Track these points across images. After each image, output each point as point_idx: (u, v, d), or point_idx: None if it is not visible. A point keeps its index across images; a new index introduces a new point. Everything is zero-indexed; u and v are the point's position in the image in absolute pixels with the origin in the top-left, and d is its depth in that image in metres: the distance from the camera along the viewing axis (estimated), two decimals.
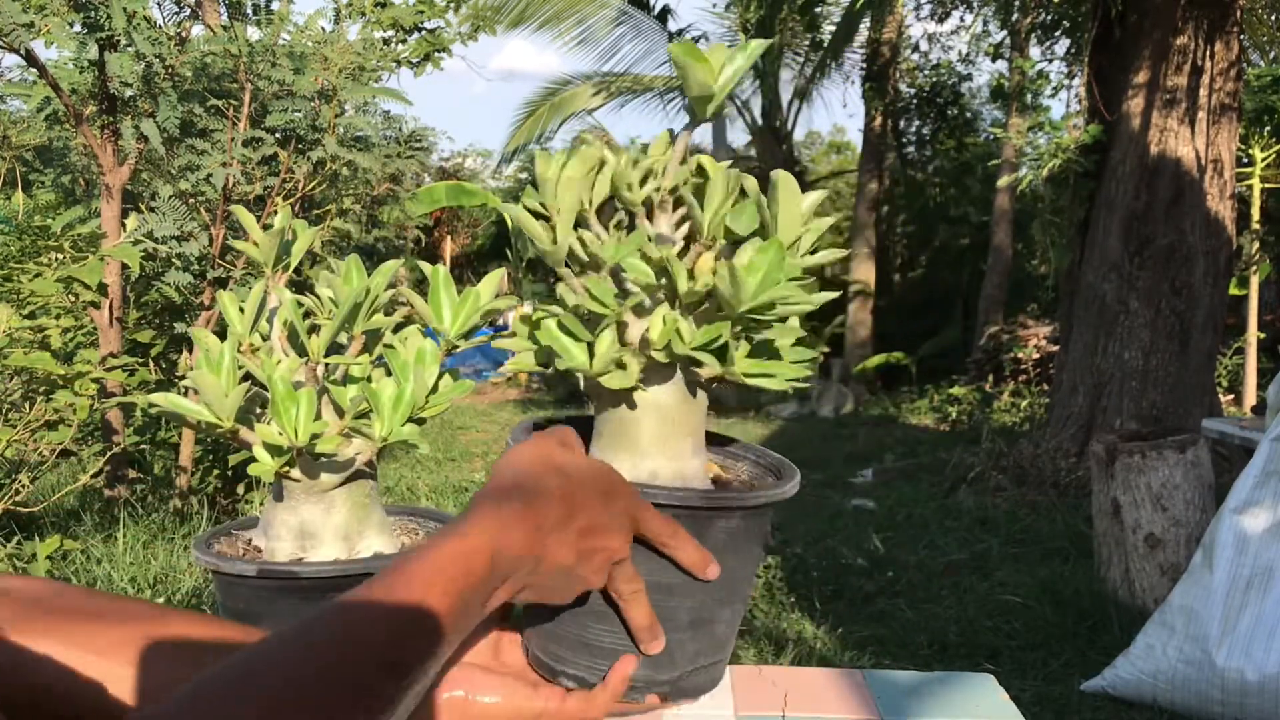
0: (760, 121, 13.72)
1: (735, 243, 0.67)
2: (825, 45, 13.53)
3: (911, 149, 16.02)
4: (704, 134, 14.37)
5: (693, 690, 0.72)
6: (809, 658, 3.49)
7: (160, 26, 4.11)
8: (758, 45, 0.65)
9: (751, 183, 0.69)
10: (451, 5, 5.30)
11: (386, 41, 5.13)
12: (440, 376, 0.85)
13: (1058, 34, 7.57)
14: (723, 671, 0.75)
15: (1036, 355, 10.46)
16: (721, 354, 0.66)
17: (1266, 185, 8.54)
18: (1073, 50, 7.34)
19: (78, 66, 4.07)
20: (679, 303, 0.67)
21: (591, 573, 0.65)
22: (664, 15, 13.61)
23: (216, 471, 4.59)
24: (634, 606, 0.68)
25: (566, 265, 0.70)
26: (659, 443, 0.70)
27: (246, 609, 0.83)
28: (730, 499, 0.71)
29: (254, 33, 4.49)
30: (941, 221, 15.72)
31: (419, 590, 0.56)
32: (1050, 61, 8.18)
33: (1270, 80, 8.03)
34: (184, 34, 4.21)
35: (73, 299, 4.05)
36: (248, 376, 0.83)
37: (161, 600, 3.42)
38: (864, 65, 13.85)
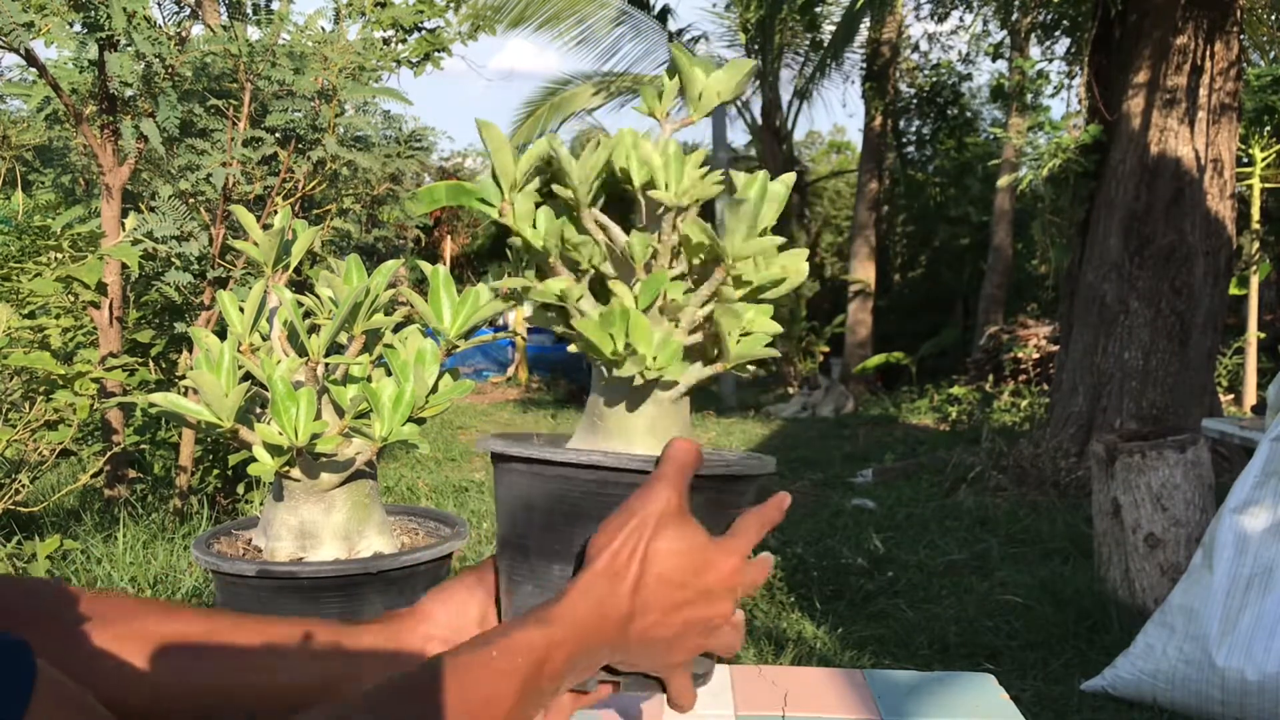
0: (760, 121, 13.71)
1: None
2: (825, 45, 13.53)
3: (911, 149, 16.03)
4: (704, 134, 14.37)
5: (641, 686, 0.69)
6: (809, 658, 3.49)
7: (160, 26, 4.11)
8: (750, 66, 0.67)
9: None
10: (451, 5, 5.30)
11: (386, 41, 5.13)
12: (440, 376, 0.85)
13: (1058, 34, 7.57)
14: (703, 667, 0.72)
15: (1036, 355, 10.46)
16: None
17: (1266, 185, 8.55)
18: (1073, 50, 7.34)
19: (78, 66, 4.06)
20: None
21: (691, 643, 0.64)
22: (664, 15, 13.60)
23: (216, 471, 4.59)
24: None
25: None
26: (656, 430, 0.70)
27: (246, 609, 0.83)
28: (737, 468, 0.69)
29: (254, 32, 4.48)
30: (941, 221, 15.73)
31: (486, 685, 0.56)
32: (1050, 61, 8.18)
33: (1270, 80, 8.03)
34: (184, 34, 4.21)
35: (72, 299, 4.05)
36: (248, 376, 0.83)
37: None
38: (864, 65, 13.85)
